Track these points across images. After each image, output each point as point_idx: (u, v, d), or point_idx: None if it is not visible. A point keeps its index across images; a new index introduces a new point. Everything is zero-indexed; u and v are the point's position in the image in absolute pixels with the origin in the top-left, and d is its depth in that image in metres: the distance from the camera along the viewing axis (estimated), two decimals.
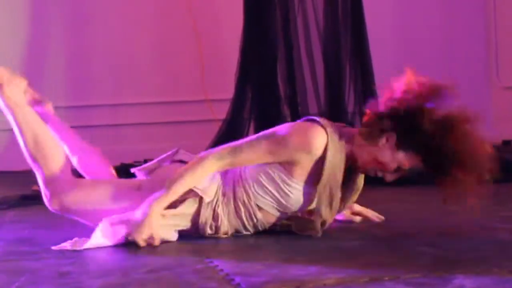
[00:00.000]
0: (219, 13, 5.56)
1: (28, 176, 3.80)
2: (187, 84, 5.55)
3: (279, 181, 2.71)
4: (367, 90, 4.96)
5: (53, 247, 2.62)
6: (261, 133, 2.77)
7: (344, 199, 2.82)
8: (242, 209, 2.75)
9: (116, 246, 2.65)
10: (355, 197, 2.88)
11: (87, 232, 2.71)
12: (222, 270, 2.27)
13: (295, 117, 4.97)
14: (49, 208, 2.83)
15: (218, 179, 2.77)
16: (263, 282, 2.10)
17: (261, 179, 2.72)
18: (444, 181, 2.64)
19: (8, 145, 5.27)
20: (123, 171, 3.31)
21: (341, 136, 2.72)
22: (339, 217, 2.95)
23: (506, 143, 5.47)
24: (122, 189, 2.80)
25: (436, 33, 5.74)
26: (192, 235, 2.76)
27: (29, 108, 2.87)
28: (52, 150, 2.83)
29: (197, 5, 5.49)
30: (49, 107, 3.10)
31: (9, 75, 2.87)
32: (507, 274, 2.12)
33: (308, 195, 2.72)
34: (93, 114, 5.35)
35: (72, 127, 3.04)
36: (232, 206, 2.75)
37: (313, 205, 2.75)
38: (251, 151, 2.71)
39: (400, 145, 2.67)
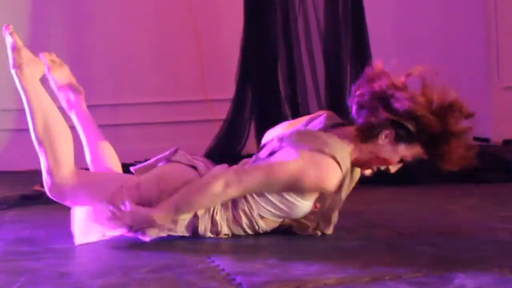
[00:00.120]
0: (219, 13, 5.56)
1: (28, 176, 3.80)
2: (187, 84, 5.55)
3: (287, 197, 2.70)
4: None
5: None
6: (275, 163, 2.67)
7: None
8: (244, 219, 2.74)
9: (117, 246, 2.65)
10: (350, 188, 2.88)
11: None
12: (223, 270, 2.27)
13: (295, 117, 4.98)
14: (48, 194, 2.83)
15: None
16: (264, 281, 2.10)
17: (266, 194, 2.70)
18: (441, 154, 2.65)
19: (8, 145, 5.27)
20: (124, 171, 3.31)
21: (345, 145, 2.69)
22: None
23: (506, 142, 5.48)
24: (120, 187, 2.79)
25: (437, 33, 5.74)
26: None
27: (45, 93, 2.86)
28: (60, 138, 2.80)
29: (197, 5, 5.48)
30: (81, 97, 3.13)
31: (30, 56, 2.88)
32: (507, 273, 2.12)
33: (316, 205, 2.73)
34: (93, 114, 5.34)
35: (72, 127, 3.04)
36: (231, 213, 2.72)
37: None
38: (267, 185, 2.65)
39: (399, 138, 2.67)
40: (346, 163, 2.68)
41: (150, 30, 5.56)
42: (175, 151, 2.91)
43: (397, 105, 2.63)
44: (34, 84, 2.83)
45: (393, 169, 2.74)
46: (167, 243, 2.68)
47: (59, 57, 3.09)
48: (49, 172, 2.78)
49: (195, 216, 2.71)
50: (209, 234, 2.74)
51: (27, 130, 2.82)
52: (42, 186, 2.93)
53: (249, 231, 2.76)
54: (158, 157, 2.93)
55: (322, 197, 2.69)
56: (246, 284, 2.09)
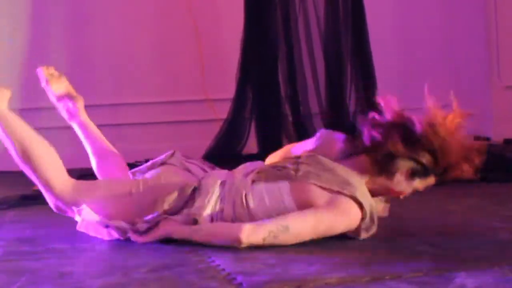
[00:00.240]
0: (219, 12, 5.55)
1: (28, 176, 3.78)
2: (188, 83, 5.55)
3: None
4: (368, 89, 4.97)
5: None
6: (303, 218, 2.58)
7: None
8: None
9: (117, 245, 2.65)
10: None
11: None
12: (223, 269, 2.26)
13: (296, 116, 4.98)
14: (55, 211, 2.85)
15: (216, 194, 2.70)
16: (264, 281, 2.10)
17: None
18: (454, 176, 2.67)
19: None
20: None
21: (361, 178, 2.67)
22: None
23: (507, 142, 5.48)
24: (116, 195, 2.78)
25: (437, 33, 5.74)
26: None
27: (15, 118, 2.83)
28: (43, 160, 2.74)
29: (198, 5, 5.48)
30: (80, 105, 3.14)
31: None
32: (508, 273, 2.12)
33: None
34: (93, 114, 5.34)
35: (74, 134, 3.06)
36: (230, 221, 2.71)
37: None
38: (295, 239, 2.58)
39: (415, 173, 2.65)
40: (369, 199, 2.65)
41: (150, 30, 5.56)
42: (172, 154, 2.91)
43: (414, 138, 2.60)
44: (2, 112, 2.82)
45: (402, 197, 2.76)
46: (167, 243, 2.67)
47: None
48: (47, 192, 2.79)
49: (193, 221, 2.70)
50: None
51: None
52: None
53: None
54: (154, 160, 2.93)
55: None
56: (247, 284, 2.08)
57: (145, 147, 5.01)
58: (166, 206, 2.70)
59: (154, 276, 2.23)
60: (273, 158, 2.94)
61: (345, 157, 2.74)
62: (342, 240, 2.66)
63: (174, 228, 2.65)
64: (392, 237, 2.71)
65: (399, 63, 5.57)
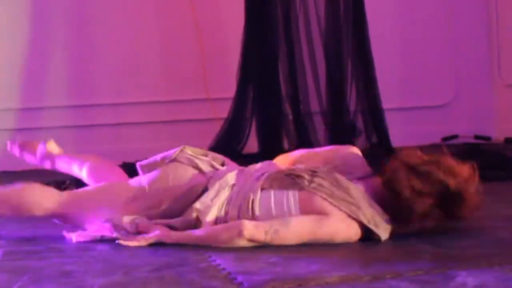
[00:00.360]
0: (220, 12, 5.55)
1: (28, 176, 3.79)
2: (189, 83, 5.55)
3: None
4: (368, 88, 4.97)
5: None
6: (307, 225, 2.60)
7: None
8: None
9: (119, 245, 2.65)
10: None
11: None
12: (224, 268, 2.27)
13: (296, 115, 4.98)
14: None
15: (223, 197, 2.70)
16: (265, 280, 2.10)
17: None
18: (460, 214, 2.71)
19: None
20: (126, 170, 3.31)
21: (375, 204, 2.67)
22: None
23: (508, 140, 5.48)
24: (117, 203, 2.79)
25: (438, 32, 5.73)
26: None
27: None
28: (26, 203, 2.85)
29: (199, 4, 5.48)
30: (50, 146, 3.17)
31: None
32: (509, 271, 2.13)
33: None
34: (94, 114, 5.35)
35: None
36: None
37: None
38: (295, 237, 2.59)
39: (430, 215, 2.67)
40: (383, 223, 2.64)
41: (151, 30, 5.55)
42: (182, 150, 2.88)
43: (428, 182, 2.62)
44: None
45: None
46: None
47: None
48: (45, 212, 2.82)
49: (195, 224, 2.70)
50: None
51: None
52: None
53: None
54: (163, 154, 2.89)
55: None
56: (248, 283, 2.09)
57: (147, 146, 5.00)
58: (168, 207, 2.74)
59: (155, 275, 2.23)
60: (283, 159, 2.93)
61: (363, 177, 2.75)
62: None
63: (165, 233, 2.66)
64: (392, 236, 2.71)
65: (400, 62, 5.57)
